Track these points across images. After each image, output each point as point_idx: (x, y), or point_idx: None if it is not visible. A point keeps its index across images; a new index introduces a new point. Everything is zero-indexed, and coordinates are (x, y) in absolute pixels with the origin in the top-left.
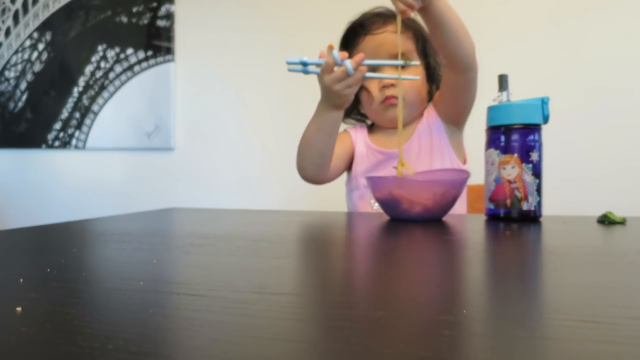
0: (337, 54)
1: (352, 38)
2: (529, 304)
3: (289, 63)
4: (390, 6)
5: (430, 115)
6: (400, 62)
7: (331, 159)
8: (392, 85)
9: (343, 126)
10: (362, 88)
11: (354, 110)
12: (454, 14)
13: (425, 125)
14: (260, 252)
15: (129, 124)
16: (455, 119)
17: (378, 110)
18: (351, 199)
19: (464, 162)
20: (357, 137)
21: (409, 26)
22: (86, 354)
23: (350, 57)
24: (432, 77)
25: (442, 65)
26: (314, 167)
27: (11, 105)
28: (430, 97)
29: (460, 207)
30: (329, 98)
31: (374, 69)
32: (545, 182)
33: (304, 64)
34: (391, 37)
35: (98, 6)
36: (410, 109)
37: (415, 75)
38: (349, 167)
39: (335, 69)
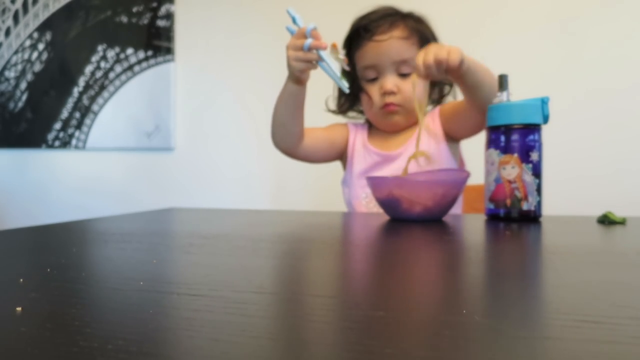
0: (311, 29)
1: (355, 40)
2: (529, 304)
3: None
4: (397, 5)
5: (434, 120)
6: (344, 86)
7: (298, 133)
8: (393, 92)
9: (344, 120)
10: (363, 92)
11: (352, 107)
12: (483, 70)
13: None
14: (260, 252)
15: (128, 124)
16: (456, 137)
17: (378, 115)
18: (346, 197)
19: (462, 166)
20: (356, 135)
21: (415, 30)
22: (86, 354)
23: (353, 60)
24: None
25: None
26: (278, 135)
27: (11, 105)
28: (433, 100)
29: (455, 207)
30: (287, 65)
31: (376, 75)
32: (545, 182)
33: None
34: (396, 44)
35: (98, 6)
36: (409, 116)
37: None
38: (344, 164)
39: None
